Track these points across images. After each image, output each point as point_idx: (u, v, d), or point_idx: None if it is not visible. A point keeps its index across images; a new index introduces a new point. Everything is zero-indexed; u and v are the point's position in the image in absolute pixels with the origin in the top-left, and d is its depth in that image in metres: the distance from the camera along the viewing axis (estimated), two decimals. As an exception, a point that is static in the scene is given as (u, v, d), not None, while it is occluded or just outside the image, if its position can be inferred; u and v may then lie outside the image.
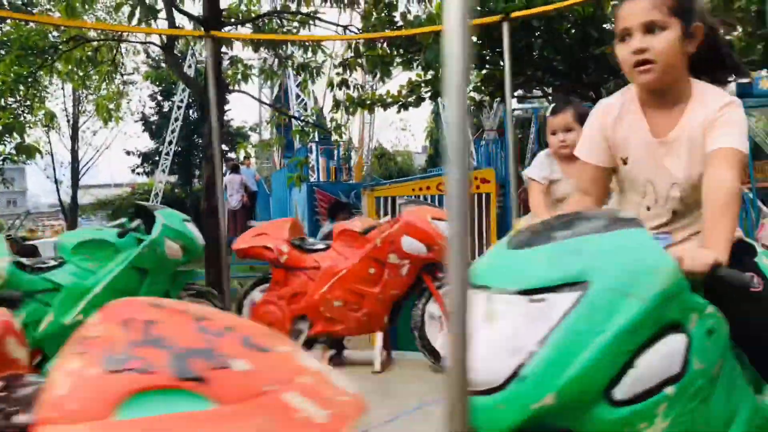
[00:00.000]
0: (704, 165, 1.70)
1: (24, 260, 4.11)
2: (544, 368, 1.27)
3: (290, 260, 4.64)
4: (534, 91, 11.70)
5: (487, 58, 9.87)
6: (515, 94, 11.73)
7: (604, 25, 8.38)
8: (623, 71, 1.79)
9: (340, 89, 9.24)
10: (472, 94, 11.06)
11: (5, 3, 15.57)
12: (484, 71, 10.18)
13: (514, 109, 17.79)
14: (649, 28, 1.70)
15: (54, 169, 20.80)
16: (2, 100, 7.88)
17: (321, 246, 4.81)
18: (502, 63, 10.07)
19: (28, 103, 10.17)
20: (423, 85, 9.84)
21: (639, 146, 1.82)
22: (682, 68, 1.77)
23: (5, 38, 8.12)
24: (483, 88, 10.70)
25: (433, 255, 4.38)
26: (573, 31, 8.79)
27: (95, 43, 8.04)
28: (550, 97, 12.19)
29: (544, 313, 1.31)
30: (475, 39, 9.35)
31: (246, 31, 8.86)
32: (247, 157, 15.46)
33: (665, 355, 1.33)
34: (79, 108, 19.12)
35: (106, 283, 4.04)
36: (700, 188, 1.70)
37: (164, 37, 7.34)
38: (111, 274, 4.07)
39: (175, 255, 4.39)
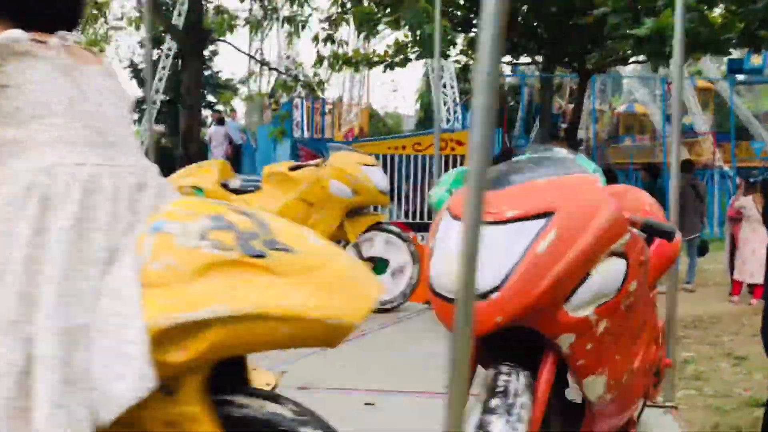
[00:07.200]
0: None
1: None
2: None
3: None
4: (521, 58, 11.70)
5: (474, 21, 9.86)
6: (503, 60, 11.74)
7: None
8: None
9: (325, 45, 9.24)
10: (458, 57, 11.07)
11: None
12: (471, 35, 10.18)
13: (503, 75, 17.77)
14: None
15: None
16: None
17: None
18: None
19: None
20: (410, 45, 9.84)
21: None
22: None
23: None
24: (470, 52, 10.71)
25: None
26: (557, -2, 8.78)
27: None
28: (539, 65, 12.22)
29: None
30: (461, 2, 9.34)
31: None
32: (233, 110, 15.42)
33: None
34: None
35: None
36: None
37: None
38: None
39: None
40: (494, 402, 1.56)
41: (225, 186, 4.75)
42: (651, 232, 1.85)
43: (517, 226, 1.64)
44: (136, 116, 23.02)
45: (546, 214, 1.64)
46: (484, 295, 1.58)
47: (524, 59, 12.12)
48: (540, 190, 1.73)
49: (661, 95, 15.52)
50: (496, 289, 1.59)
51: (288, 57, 14.82)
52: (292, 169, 4.69)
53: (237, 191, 4.76)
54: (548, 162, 1.91)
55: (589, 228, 1.64)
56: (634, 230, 1.78)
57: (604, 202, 1.72)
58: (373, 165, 4.61)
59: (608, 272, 1.69)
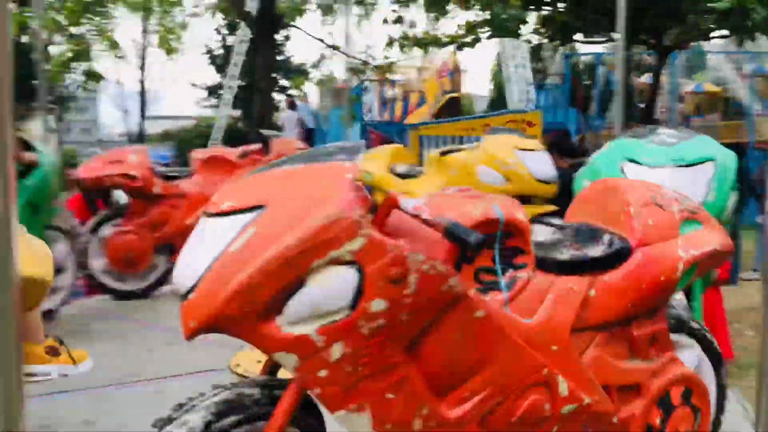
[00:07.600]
0: None
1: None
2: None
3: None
4: (595, 36, 11.31)
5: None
6: (575, 37, 11.40)
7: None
8: None
9: (395, 24, 9.23)
10: (529, 36, 10.83)
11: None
12: (543, 13, 9.94)
13: (578, 54, 17.24)
14: None
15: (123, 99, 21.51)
16: (71, 27, 8.26)
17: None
18: (560, 4, 9.84)
19: (97, 31, 10.58)
20: (480, 25, 9.69)
21: None
22: None
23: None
24: (543, 30, 10.45)
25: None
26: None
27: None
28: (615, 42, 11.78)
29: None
30: (534, -21, 9.11)
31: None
32: (305, 94, 15.66)
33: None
34: (147, 40, 19.62)
35: None
36: None
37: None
38: None
39: None
40: (167, 414, 1.45)
41: (392, 170, 4.65)
42: (450, 239, 1.44)
43: (227, 220, 1.44)
44: (213, 101, 23.83)
45: (256, 208, 1.43)
46: (184, 296, 1.43)
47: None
48: (267, 181, 1.51)
49: (750, 71, 14.68)
50: (192, 289, 1.42)
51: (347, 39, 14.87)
52: (444, 153, 4.35)
53: (402, 176, 4.62)
54: (331, 149, 1.59)
55: (296, 227, 1.37)
56: (375, 234, 1.40)
57: (330, 197, 1.40)
58: (532, 149, 4.11)
59: (329, 284, 1.39)
